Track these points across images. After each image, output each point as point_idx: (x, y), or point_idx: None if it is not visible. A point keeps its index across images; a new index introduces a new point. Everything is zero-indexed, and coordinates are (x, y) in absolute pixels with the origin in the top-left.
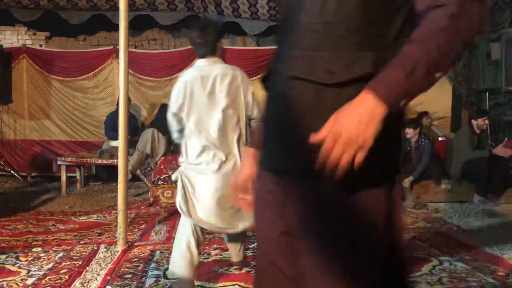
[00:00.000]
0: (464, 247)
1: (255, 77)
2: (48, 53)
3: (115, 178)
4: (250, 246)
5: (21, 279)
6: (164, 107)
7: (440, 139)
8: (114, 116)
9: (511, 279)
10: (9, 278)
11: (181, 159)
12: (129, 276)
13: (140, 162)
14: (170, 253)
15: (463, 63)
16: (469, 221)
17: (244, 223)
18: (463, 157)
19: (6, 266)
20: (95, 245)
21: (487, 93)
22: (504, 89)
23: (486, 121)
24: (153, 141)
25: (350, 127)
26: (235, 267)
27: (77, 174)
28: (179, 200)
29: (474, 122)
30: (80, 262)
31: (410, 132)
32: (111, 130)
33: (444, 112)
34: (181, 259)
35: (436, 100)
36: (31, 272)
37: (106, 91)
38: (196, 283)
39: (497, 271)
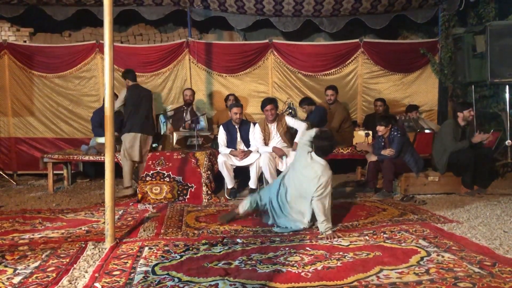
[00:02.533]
0: (451, 237)
1: (242, 72)
2: (29, 48)
3: (102, 175)
4: (239, 241)
5: (7, 278)
6: (130, 93)
7: (426, 131)
8: (100, 112)
9: (497, 268)
10: None
11: None
12: (117, 272)
13: (132, 170)
14: (158, 249)
15: (449, 56)
16: (457, 212)
17: None
18: (448, 150)
19: None
20: (83, 242)
21: (472, 86)
22: (489, 81)
23: (472, 113)
24: (140, 146)
25: None
26: None
27: (64, 172)
28: None
29: (460, 114)
30: (67, 260)
31: (381, 130)
32: (98, 127)
33: (431, 105)
34: None
35: (423, 93)
36: (17, 271)
37: (91, 87)
38: (185, 278)
39: (483, 261)
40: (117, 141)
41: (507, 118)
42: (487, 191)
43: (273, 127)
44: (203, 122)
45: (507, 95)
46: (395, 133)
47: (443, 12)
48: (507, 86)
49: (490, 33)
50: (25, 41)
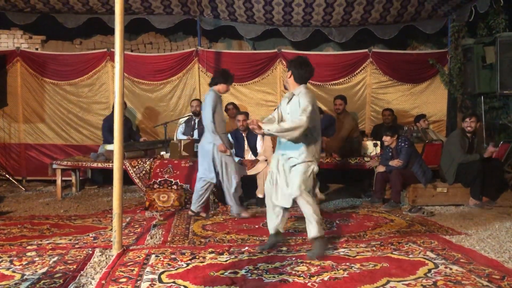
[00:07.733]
0: (459, 250)
1: (250, 81)
2: (41, 55)
3: (110, 182)
4: (243, 249)
5: (15, 283)
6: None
7: (435, 142)
8: (109, 119)
9: (506, 282)
10: (3, 283)
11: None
12: (124, 280)
13: None
14: (165, 257)
15: (458, 67)
16: (465, 224)
17: None
18: (456, 160)
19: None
20: (90, 249)
21: (482, 97)
22: (499, 92)
23: (470, 123)
24: None
25: None
26: None
27: (73, 178)
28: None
29: (462, 124)
30: (74, 266)
31: (387, 140)
32: (107, 134)
33: (440, 116)
34: None
35: (432, 104)
36: (25, 277)
37: (101, 95)
38: (191, 286)
39: (492, 274)
40: (125, 148)
41: None
42: (496, 203)
43: None
44: None
45: None
46: (403, 144)
47: (452, 23)
48: None
49: (500, 45)
50: (37, 49)
